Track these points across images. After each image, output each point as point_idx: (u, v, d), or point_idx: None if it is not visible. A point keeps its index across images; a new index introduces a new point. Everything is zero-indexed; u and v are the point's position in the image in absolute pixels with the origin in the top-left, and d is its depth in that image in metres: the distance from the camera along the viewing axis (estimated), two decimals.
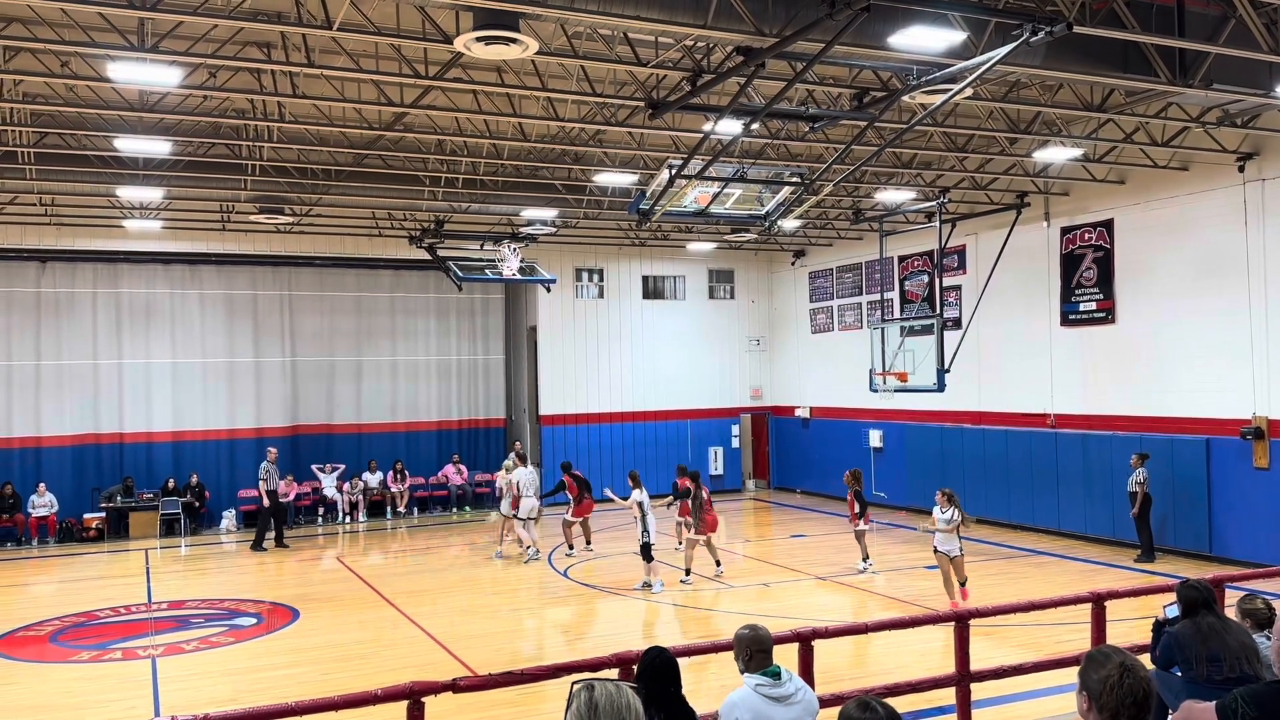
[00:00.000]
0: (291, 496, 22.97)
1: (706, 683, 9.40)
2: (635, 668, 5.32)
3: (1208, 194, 16.70)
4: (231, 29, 10.34)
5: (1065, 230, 19.37)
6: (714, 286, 27.85)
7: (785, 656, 6.09)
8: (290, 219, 19.30)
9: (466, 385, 26.70)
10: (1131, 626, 11.00)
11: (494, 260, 20.68)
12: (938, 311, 19.00)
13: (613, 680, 3.14)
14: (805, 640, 7.34)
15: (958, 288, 21.76)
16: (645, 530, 15.42)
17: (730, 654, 5.55)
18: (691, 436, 26.72)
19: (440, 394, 26.35)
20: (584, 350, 26.15)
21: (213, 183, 16.60)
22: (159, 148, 14.76)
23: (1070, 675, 3.97)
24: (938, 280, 19.48)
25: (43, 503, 21.56)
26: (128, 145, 14.39)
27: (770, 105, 11.28)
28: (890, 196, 19.28)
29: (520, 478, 18.10)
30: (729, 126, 12.50)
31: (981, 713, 8.54)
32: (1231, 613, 7.02)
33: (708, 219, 14.71)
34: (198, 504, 22.70)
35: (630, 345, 26.61)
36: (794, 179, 13.49)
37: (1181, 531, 17.01)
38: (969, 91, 11.46)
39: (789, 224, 21.01)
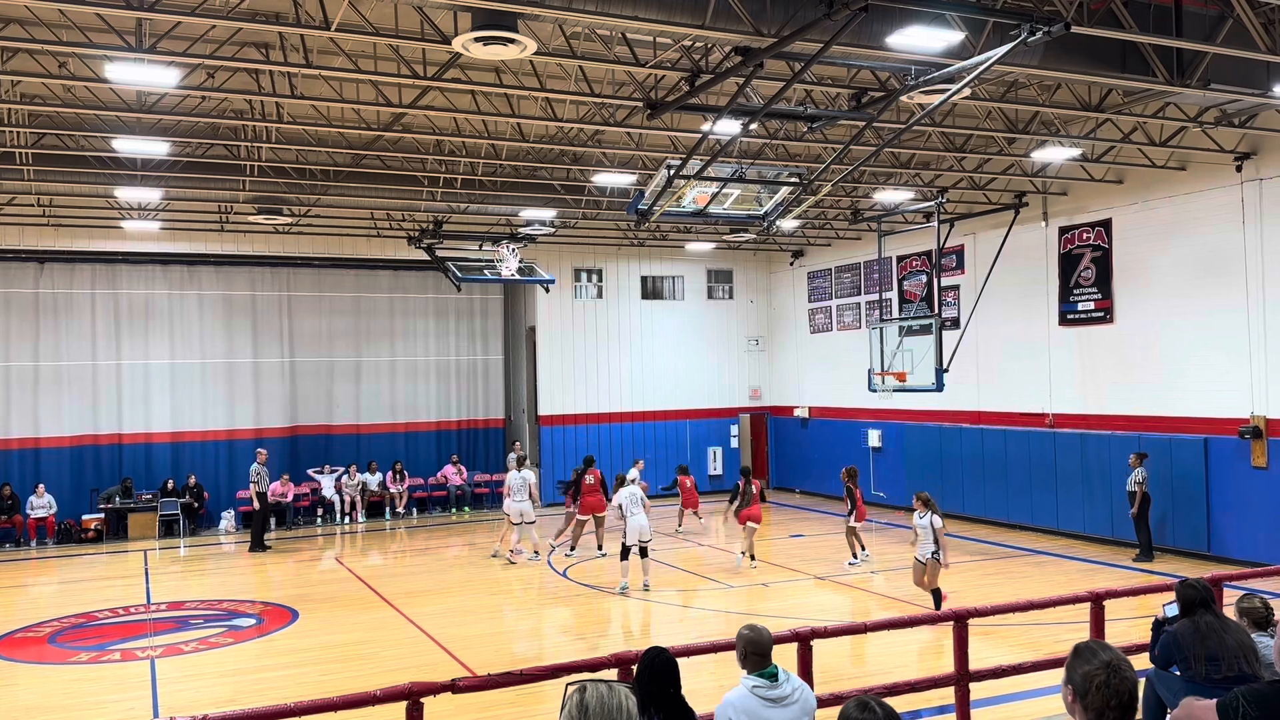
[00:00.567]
0: (289, 497, 23.00)
1: (705, 683, 9.39)
2: (635, 668, 5.33)
3: (1205, 194, 16.71)
4: (230, 29, 10.34)
5: (1063, 230, 19.39)
6: (713, 287, 27.86)
7: (784, 656, 6.10)
8: (289, 220, 19.30)
9: (465, 386, 26.70)
10: (1130, 626, 11.02)
11: (493, 261, 20.68)
12: (936, 311, 19.01)
13: (605, 681, 3.13)
14: (804, 640, 7.34)
15: (956, 288, 21.77)
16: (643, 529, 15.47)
17: (729, 654, 5.56)
18: (690, 437, 26.73)
19: (439, 394, 26.34)
20: (583, 351, 26.16)
21: (211, 183, 16.58)
22: (157, 148, 14.75)
23: None
24: (936, 280, 19.50)
25: (41, 504, 21.55)
26: (126, 146, 14.37)
27: (768, 105, 11.28)
28: (888, 196, 19.29)
29: (511, 480, 18.08)
30: (727, 126, 12.50)
31: (980, 712, 8.54)
32: (1231, 612, 7.03)
33: (706, 219, 14.71)
34: (196, 505, 22.68)
35: (629, 345, 26.62)
36: (792, 179, 13.48)
37: (1180, 531, 17.02)
38: (967, 91, 11.48)
39: (787, 224, 21.03)
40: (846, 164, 14.41)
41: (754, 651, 5.28)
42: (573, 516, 18.42)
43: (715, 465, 27.07)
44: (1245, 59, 11.10)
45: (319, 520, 23.70)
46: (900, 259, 23.36)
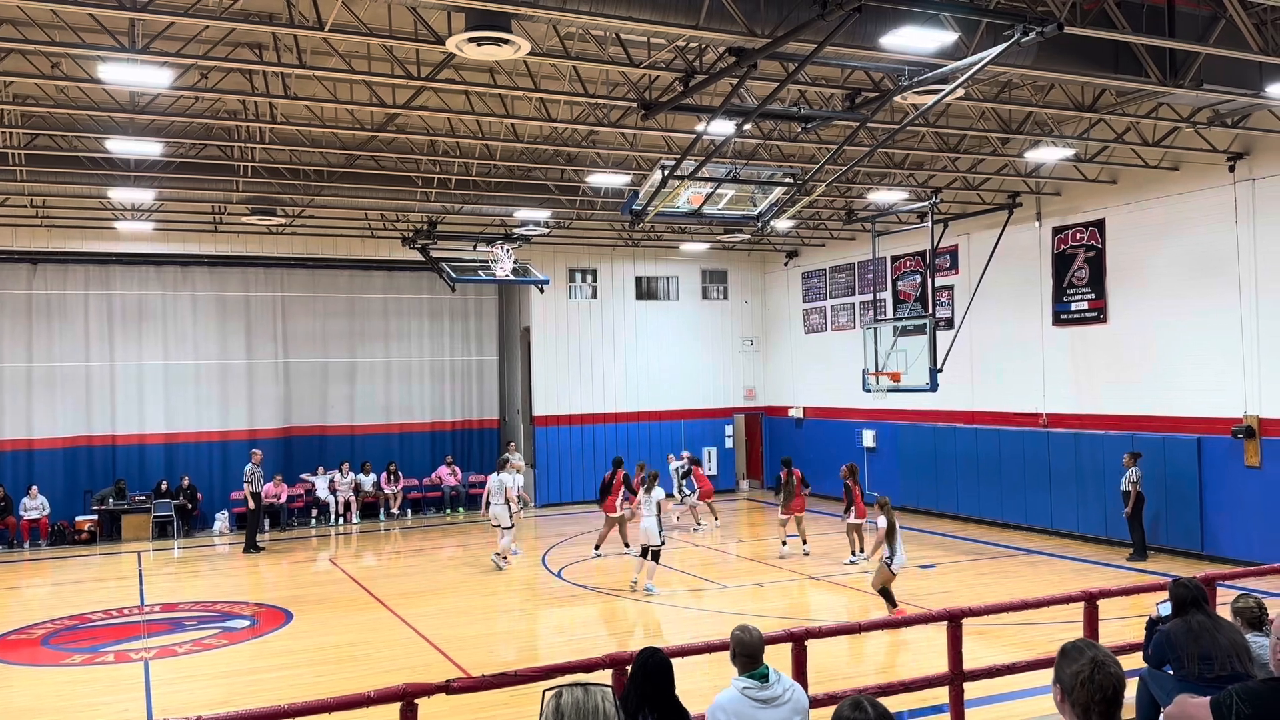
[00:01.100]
0: (283, 498, 22.95)
1: (700, 683, 9.39)
2: (629, 669, 5.33)
3: (1198, 194, 16.76)
4: (223, 30, 10.32)
5: (1057, 230, 19.42)
6: (707, 287, 27.87)
7: (778, 656, 6.10)
8: (282, 220, 19.27)
9: (460, 386, 26.67)
10: (1124, 625, 11.04)
11: (487, 261, 20.68)
12: (930, 311, 19.07)
13: (582, 684, 3.10)
14: (798, 640, 7.35)
15: (950, 288, 21.80)
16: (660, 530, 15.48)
17: (723, 654, 5.56)
18: (685, 437, 26.71)
19: (434, 395, 26.31)
20: (578, 351, 26.15)
21: (204, 184, 16.55)
22: (150, 149, 14.72)
23: None
24: (930, 280, 19.54)
25: (34, 505, 21.49)
26: (119, 146, 14.34)
27: (762, 106, 11.29)
28: (882, 197, 19.31)
29: (489, 484, 18.00)
30: (721, 127, 12.51)
31: (975, 712, 8.55)
32: (1224, 611, 7.04)
33: (701, 219, 14.71)
34: (190, 506, 22.63)
35: (624, 346, 26.62)
36: (787, 179, 13.50)
37: (1173, 530, 17.06)
38: (960, 92, 11.49)
39: (782, 224, 21.05)
40: (840, 164, 14.43)
41: (743, 652, 5.27)
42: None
43: (710, 465, 27.07)
44: (1238, 59, 11.14)
45: (313, 521, 23.67)
46: (894, 259, 23.39)
